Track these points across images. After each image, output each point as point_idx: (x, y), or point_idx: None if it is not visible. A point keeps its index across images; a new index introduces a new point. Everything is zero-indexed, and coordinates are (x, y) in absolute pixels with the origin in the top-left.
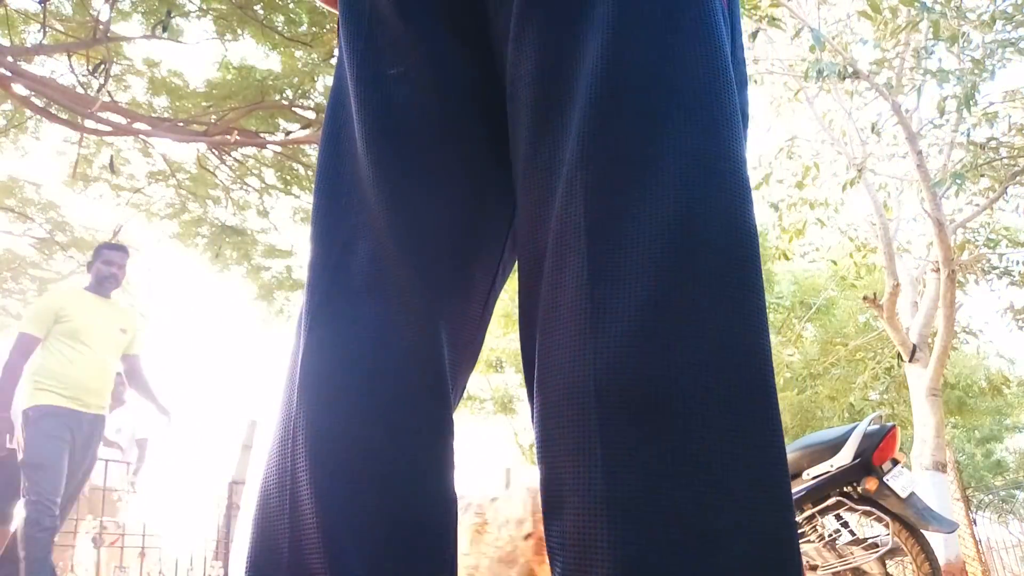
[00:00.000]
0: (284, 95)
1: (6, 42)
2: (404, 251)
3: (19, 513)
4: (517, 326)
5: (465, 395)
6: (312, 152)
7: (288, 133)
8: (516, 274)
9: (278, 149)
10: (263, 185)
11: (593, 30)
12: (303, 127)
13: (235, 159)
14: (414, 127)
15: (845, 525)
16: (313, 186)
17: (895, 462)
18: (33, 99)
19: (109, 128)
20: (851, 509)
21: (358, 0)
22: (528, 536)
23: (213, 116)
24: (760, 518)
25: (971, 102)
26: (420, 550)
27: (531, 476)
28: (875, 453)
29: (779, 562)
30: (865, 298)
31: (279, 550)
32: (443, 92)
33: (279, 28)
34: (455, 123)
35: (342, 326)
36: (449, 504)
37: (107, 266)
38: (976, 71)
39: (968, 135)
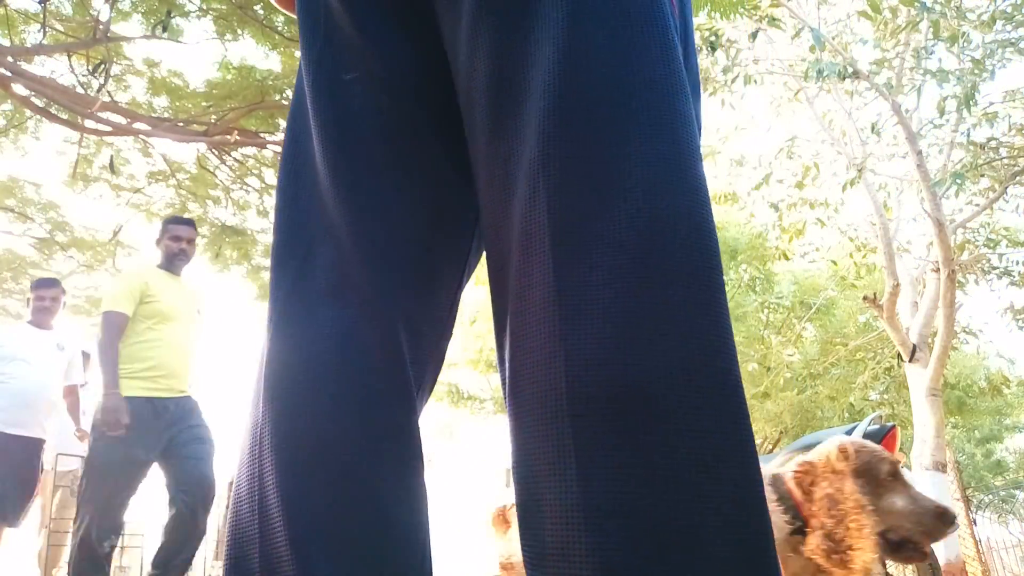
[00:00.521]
0: (284, 95)
1: (6, 42)
2: (365, 256)
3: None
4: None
5: (465, 395)
6: None
7: None
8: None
9: (278, 149)
10: (263, 185)
11: (548, 29)
12: None
13: (235, 159)
14: (370, 132)
15: None
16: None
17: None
18: (33, 99)
19: (109, 128)
20: None
21: (313, 5)
22: None
23: (213, 116)
24: (740, 518)
25: (971, 102)
26: (390, 551)
27: None
28: None
29: (760, 563)
30: (865, 298)
31: (250, 559)
32: (396, 94)
33: (279, 28)
34: (410, 125)
35: (304, 331)
36: (419, 503)
37: (175, 242)
38: (976, 71)
39: (968, 135)
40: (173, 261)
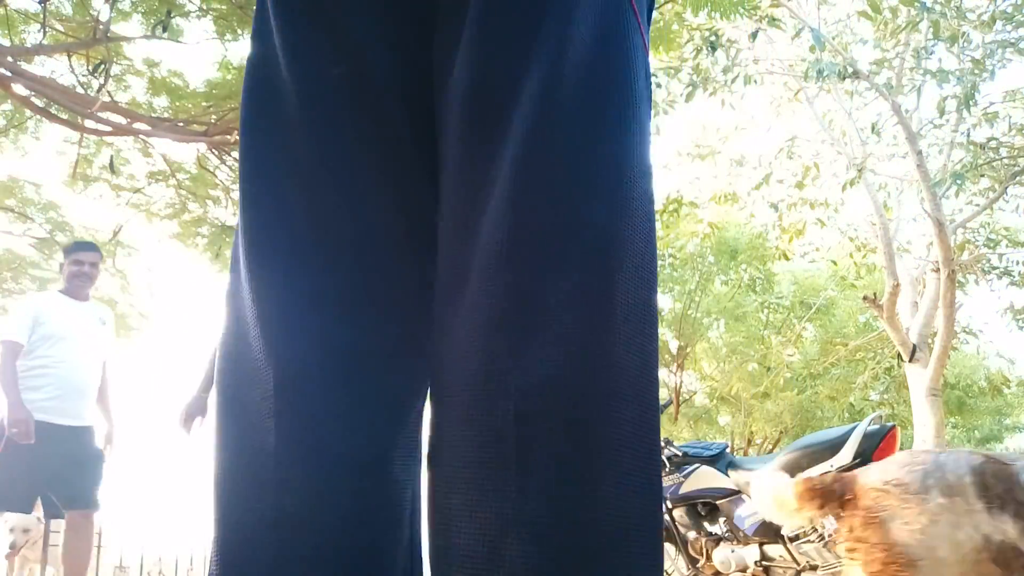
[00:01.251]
0: None
1: (6, 42)
2: (358, 258)
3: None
4: None
5: None
6: None
7: None
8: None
9: None
10: None
11: (536, 55)
12: None
13: (235, 159)
14: (357, 130)
15: None
16: (241, 180)
17: None
18: (33, 99)
19: (109, 128)
20: None
21: None
22: None
23: (213, 116)
24: (649, 523)
25: (971, 102)
26: (380, 530)
27: None
28: (875, 453)
29: (657, 558)
30: (865, 298)
31: (259, 526)
32: (380, 90)
33: None
34: (391, 123)
35: (308, 338)
36: (412, 499)
37: None
38: (976, 71)
39: (968, 135)
40: None
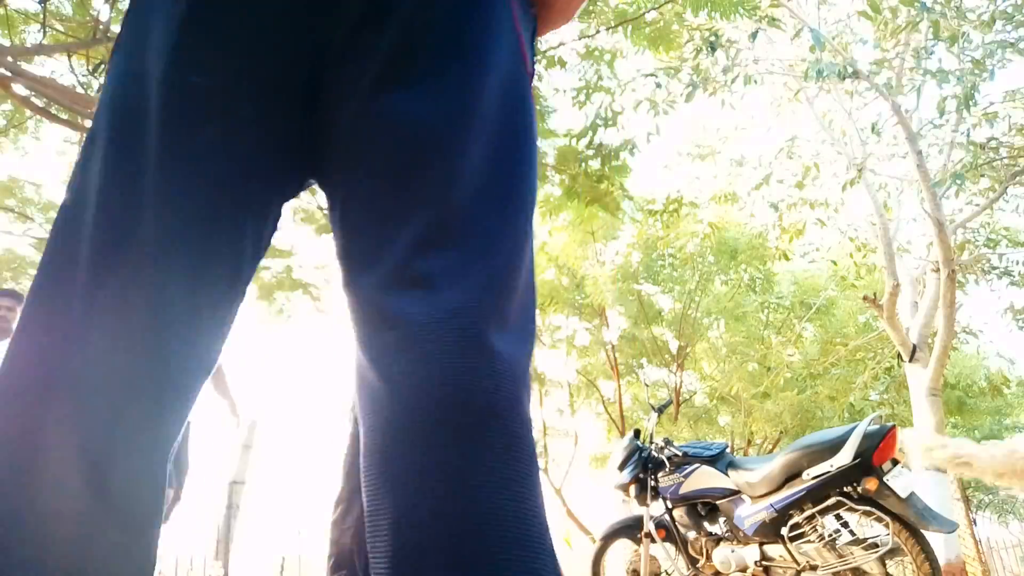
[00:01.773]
0: None
1: (6, 42)
2: (173, 276)
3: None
4: None
5: None
6: None
7: None
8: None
9: None
10: None
11: (454, 95)
12: None
13: None
14: (206, 142)
15: (845, 525)
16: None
17: (895, 462)
18: (33, 99)
19: None
20: (851, 509)
21: None
22: None
23: None
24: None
25: (971, 102)
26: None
27: None
28: (875, 453)
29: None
30: (865, 298)
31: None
32: (239, 106)
33: None
34: (235, 141)
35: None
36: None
37: None
38: (976, 71)
39: (968, 135)
40: None
